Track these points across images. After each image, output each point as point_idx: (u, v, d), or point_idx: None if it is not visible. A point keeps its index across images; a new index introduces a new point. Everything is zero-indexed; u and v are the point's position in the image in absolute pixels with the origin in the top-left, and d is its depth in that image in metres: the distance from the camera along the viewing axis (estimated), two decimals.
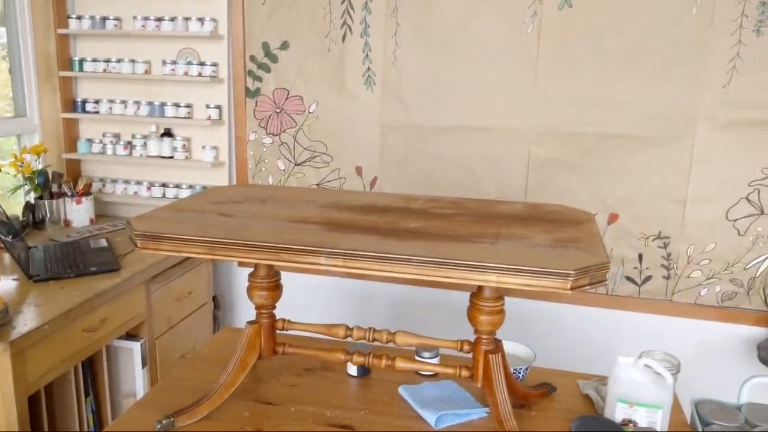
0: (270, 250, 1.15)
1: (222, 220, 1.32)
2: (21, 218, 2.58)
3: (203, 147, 2.79)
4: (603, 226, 2.44)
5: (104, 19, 2.75)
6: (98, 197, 2.88)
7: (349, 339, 1.37)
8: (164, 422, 1.28)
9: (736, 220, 2.34)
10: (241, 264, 2.90)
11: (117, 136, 2.89)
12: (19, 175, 2.61)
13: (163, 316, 2.40)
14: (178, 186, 2.85)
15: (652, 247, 2.43)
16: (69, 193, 2.70)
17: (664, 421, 1.26)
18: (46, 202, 2.65)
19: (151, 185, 2.87)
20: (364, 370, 1.52)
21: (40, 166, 2.68)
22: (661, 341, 2.46)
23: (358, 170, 2.67)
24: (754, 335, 2.40)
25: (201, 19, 2.66)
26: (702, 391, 1.51)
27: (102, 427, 2.19)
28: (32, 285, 2.02)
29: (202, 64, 2.70)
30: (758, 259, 2.35)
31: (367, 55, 2.55)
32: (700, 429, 1.28)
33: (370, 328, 1.36)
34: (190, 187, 2.84)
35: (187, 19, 2.67)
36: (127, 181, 2.91)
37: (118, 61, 2.78)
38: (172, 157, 2.81)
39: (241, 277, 2.95)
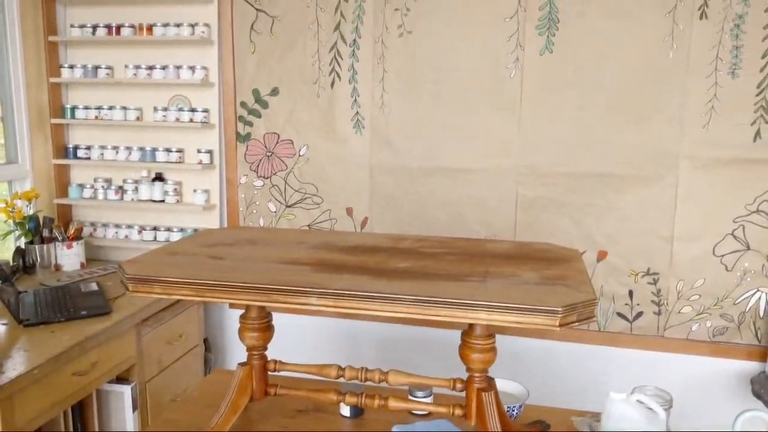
0: (261, 292, 1.16)
1: (213, 262, 1.33)
2: (11, 263, 2.57)
3: (194, 190, 2.81)
4: (592, 263, 2.47)
5: (96, 68, 2.80)
6: (89, 241, 2.88)
7: (341, 379, 1.37)
8: None
9: (723, 255, 2.38)
10: (232, 306, 2.89)
11: (108, 181, 2.91)
12: (10, 221, 2.61)
13: (153, 359, 2.38)
14: (169, 229, 2.86)
15: (642, 283, 2.46)
16: (60, 238, 2.70)
17: None
18: (36, 246, 2.65)
19: (142, 229, 2.88)
20: (357, 411, 1.51)
21: (31, 212, 2.69)
22: (653, 377, 2.46)
23: (349, 211, 2.70)
24: (747, 370, 2.41)
25: (192, 68, 2.72)
26: (695, 426, 1.51)
27: None
28: (22, 330, 2.00)
29: (193, 110, 2.74)
30: (747, 294, 2.38)
31: (355, 99, 2.61)
32: None
33: (362, 368, 1.36)
34: (182, 230, 2.85)
35: (178, 67, 2.73)
36: (118, 225, 2.91)
37: (110, 108, 2.82)
38: (163, 201, 2.83)
39: (232, 318, 2.94)
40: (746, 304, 2.38)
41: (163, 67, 2.74)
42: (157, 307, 2.37)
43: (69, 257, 2.70)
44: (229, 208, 2.83)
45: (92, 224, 2.94)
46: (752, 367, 2.41)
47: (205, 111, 2.75)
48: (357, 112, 2.61)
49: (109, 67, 2.81)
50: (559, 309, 1.06)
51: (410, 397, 1.50)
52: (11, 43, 2.67)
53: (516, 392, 1.55)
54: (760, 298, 2.37)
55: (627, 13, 2.31)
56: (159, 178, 2.85)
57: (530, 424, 1.45)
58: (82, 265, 2.73)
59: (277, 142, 2.72)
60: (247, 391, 1.40)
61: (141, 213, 2.90)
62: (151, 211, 2.88)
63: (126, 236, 2.90)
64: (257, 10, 2.65)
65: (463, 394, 1.31)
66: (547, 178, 2.47)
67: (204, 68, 2.72)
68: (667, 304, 2.44)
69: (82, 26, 2.80)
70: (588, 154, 2.42)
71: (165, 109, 2.77)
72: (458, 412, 1.31)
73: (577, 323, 1.10)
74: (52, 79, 2.81)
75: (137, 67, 2.76)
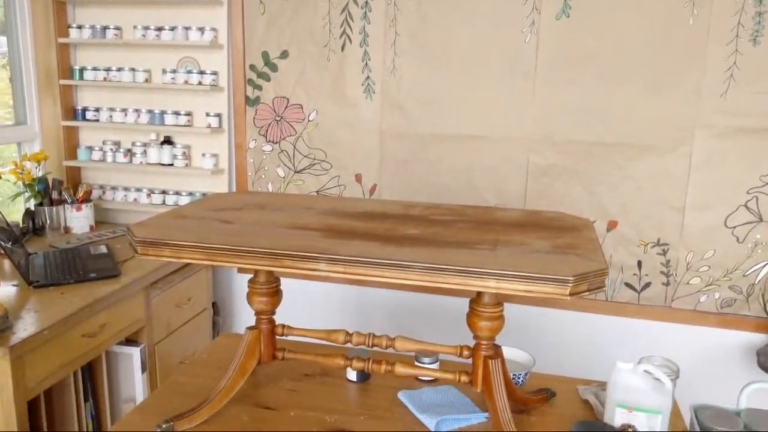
0: (270, 257, 1.16)
1: (222, 226, 1.33)
2: (21, 225, 2.58)
3: (203, 155, 2.80)
4: (602, 233, 2.45)
5: (105, 28, 2.77)
6: (98, 204, 2.88)
7: (348, 344, 1.38)
8: (164, 427, 1.28)
9: (734, 227, 2.35)
10: (240, 270, 2.90)
11: (117, 143, 2.90)
12: (20, 183, 2.61)
13: (162, 322, 2.41)
14: (177, 193, 2.85)
15: (652, 253, 2.44)
16: (69, 200, 2.70)
17: (663, 427, 1.26)
18: (46, 209, 2.66)
19: (150, 192, 2.88)
20: (364, 376, 1.52)
21: (40, 174, 2.69)
22: (660, 347, 2.46)
23: (358, 177, 2.68)
24: (753, 341, 2.41)
25: (201, 29, 2.68)
26: (701, 396, 1.51)
27: None
28: (32, 291, 2.02)
29: (202, 72, 2.71)
30: (757, 266, 2.36)
31: (366, 64, 2.57)
32: None
33: (369, 334, 1.36)
34: (190, 194, 2.85)
35: (187, 28, 2.69)
36: (127, 189, 2.91)
37: (119, 69, 2.80)
38: (172, 165, 2.82)
39: (240, 283, 2.96)
40: (756, 276, 2.37)
41: (172, 28, 2.70)
42: (165, 271, 2.38)
43: (78, 219, 2.71)
44: (237, 173, 2.82)
45: (101, 187, 2.95)
46: (759, 338, 2.40)
47: (214, 74, 2.71)
48: (368, 77, 2.58)
49: (117, 28, 2.78)
50: (570, 278, 1.05)
51: (417, 364, 1.50)
52: (19, 2, 2.64)
53: (522, 360, 1.56)
54: None
55: None
56: (168, 141, 2.83)
57: (536, 392, 1.46)
58: (91, 227, 2.74)
59: (286, 107, 2.69)
60: (255, 355, 1.40)
61: (150, 176, 2.90)
62: (159, 174, 2.88)
63: (135, 199, 2.90)
64: None
65: (470, 361, 1.31)
66: (560, 146, 2.44)
67: (213, 29, 2.68)
68: (675, 275, 2.43)
69: None
70: (603, 122, 2.38)
71: (174, 71, 2.74)
72: (464, 378, 1.32)
73: (587, 293, 1.09)
74: (61, 40, 2.78)
75: (146, 27, 2.72)
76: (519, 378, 1.47)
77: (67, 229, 2.71)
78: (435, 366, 1.50)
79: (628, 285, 2.49)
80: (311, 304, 2.81)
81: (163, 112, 2.79)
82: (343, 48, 2.58)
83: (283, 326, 1.43)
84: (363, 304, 2.80)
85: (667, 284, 2.45)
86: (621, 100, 2.35)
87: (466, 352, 1.31)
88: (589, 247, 1.23)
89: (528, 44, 2.40)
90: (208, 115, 2.75)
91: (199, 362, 1.62)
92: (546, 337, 2.60)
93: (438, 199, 2.54)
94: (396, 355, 1.43)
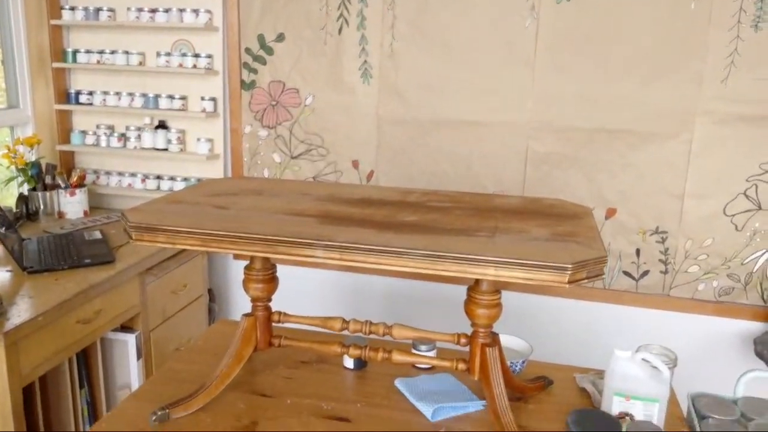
0: (266, 243, 1.14)
1: (218, 212, 1.31)
2: (14, 210, 2.56)
3: (198, 139, 2.77)
4: (601, 221, 2.44)
5: (98, 10, 2.72)
6: (92, 189, 2.86)
7: (345, 332, 1.36)
8: (159, 414, 1.27)
9: (733, 215, 2.34)
10: (236, 257, 2.88)
11: (111, 128, 2.87)
12: (12, 167, 2.59)
13: (158, 309, 2.39)
14: (172, 178, 2.83)
15: (650, 241, 2.43)
16: (63, 185, 2.68)
17: (661, 415, 1.26)
18: (39, 193, 2.63)
19: (145, 177, 2.85)
20: (361, 363, 1.52)
21: (33, 158, 2.66)
22: (658, 335, 2.46)
23: (355, 164, 2.66)
24: (751, 330, 2.41)
25: (196, 11, 2.64)
26: (698, 385, 1.51)
27: (97, 419, 2.18)
28: (26, 276, 2.00)
29: (196, 56, 2.68)
30: (756, 255, 2.35)
31: (363, 48, 2.54)
32: (696, 422, 1.28)
33: (366, 321, 1.35)
34: (185, 179, 2.82)
35: (181, 10, 2.65)
36: (121, 173, 2.89)
37: (112, 52, 2.76)
38: (166, 150, 2.79)
39: (236, 269, 2.94)
40: (754, 265, 2.36)
41: (166, 10, 2.66)
42: (161, 257, 2.37)
43: (72, 205, 2.69)
44: (233, 158, 2.79)
45: (95, 172, 2.92)
46: (756, 327, 2.41)
47: (209, 57, 2.68)
48: (365, 61, 2.54)
49: (111, 9, 2.73)
50: (569, 266, 1.04)
51: (414, 351, 1.49)
52: None
53: (519, 348, 1.55)
54: None
55: None
56: (162, 125, 2.80)
57: (533, 380, 1.45)
58: (85, 212, 2.72)
59: (282, 91, 2.66)
60: (252, 342, 1.39)
61: (144, 161, 2.87)
62: (154, 159, 2.85)
63: (129, 185, 2.87)
64: None
65: (467, 349, 1.30)
66: (560, 133, 2.42)
67: (208, 11, 2.64)
68: (674, 263, 2.43)
69: None
70: (603, 108, 2.36)
71: (168, 54, 2.70)
72: (461, 366, 1.31)
73: (586, 280, 1.08)
74: (53, 21, 2.74)
75: (140, 9, 2.68)
76: (516, 366, 1.47)
77: (60, 215, 2.68)
78: (432, 354, 1.50)
79: (626, 273, 2.48)
80: (307, 291, 2.80)
81: (157, 96, 2.75)
82: (340, 31, 2.54)
83: (280, 313, 1.42)
84: (360, 291, 2.79)
85: (666, 272, 2.44)
86: (621, 87, 2.33)
87: (463, 340, 1.31)
88: (589, 234, 1.22)
89: (528, 29, 2.37)
90: (202, 99, 2.72)
91: (195, 349, 1.61)
92: (543, 325, 2.60)
93: (436, 186, 2.53)
94: (393, 342, 1.42)
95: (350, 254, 1.11)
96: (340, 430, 1.28)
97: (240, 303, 2.97)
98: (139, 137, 2.81)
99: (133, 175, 2.87)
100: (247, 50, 2.66)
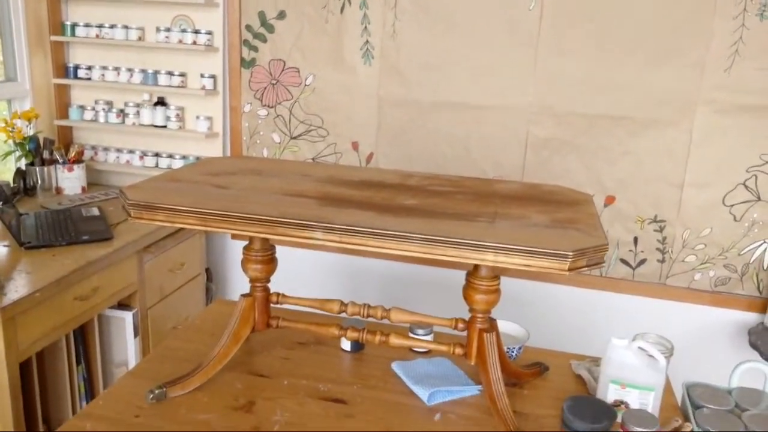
0: (266, 224, 1.14)
1: (217, 191, 1.30)
2: (12, 185, 2.54)
3: (197, 117, 2.75)
4: (599, 208, 2.44)
5: None
6: (90, 165, 2.84)
7: (343, 314, 1.37)
8: (156, 392, 1.27)
9: (732, 205, 2.34)
10: (235, 237, 2.88)
11: (109, 103, 2.85)
12: (10, 141, 2.57)
13: (155, 287, 2.39)
14: (171, 156, 2.81)
15: (648, 230, 2.43)
16: (61, 160, 2.66)
17: (656, 404, 1.26)
18: (37, 168, 2.62)
19: (143, 154, 2.84)
20: (358, 346, 1.52)
21: (31, 132, 2.64)
22: (654, 324, 2.47)
23: (355, 145, 2.64)
24: (746, 320, 2.42)
25: None
26: (693, 374, 1.51)
27: (93, 396, 2.19)
28: (23, 252, 2.00)
29: (196, 32, 2.64)
30: (753, 245, 2.36)
31: (365, 27, 2.51)
32: (690, 412, 1.29)
33: (364, 304, 1.35)
34: (184, 157, 2.81)
35: None
36: (119, 150, 2.87)
37: (111, 26, 2.72)
38: (165, 127, 2.77)
39: (234, 249, 2.94)
40: (751, 256, 2.37)
41: None
42: (159, 235, 2.36)
43: (70, 180, 2.67)
44: (232, 137, 2.77)
45: (93, 148, 2.90)
46: (751, 318, 2.42)
47: (209, 33, 2.65)
48: (367, 41, 2.52)
49: None
50: (569, 253, 1.03)
51: (411, 335, 1.50)
52: None
53: (516, 334, 1.56)
54: (765, 249, 2.35)
55: None
56: (161, 102, 2.78)
57: (529, 366, 1.46)
58: (83, 189, 2.71)
59: (282, 70, 2.64)
60: (249, 322, 1.39)
61: (142, 138, 2.85)
62: (152, 136, 2.83)
63: (127, 161, 2.86)
64: None
65: (465, 334, 1.30)
66: (561, 119, 2.41)
67: None
68: (671, 252, 2.43)
69: None
70: (605, 95, 2.35)
71: (168, 30, 2.67)
72: (458, 351, 1.31)
73: (586, 268, 1.08)
74: None
75: None
76: (513, 352, 1.47)
77: (58, 190, 2.67)
78: (429, 338, 1.50)
79: (623, 261, 2.49)
80: (306, 273, 2.80)
81: (156, 72, 2.73)
82: (342, 10, 2.51)
83: (278, 294, 1.42)
84: (358, 273, 2.79)
85: (663, 261, 2.45)
86: (623, 73, 2.31)
87: (461, 325, 1.31)
88: (589, 222, 1.22)
89: (532, 11, 2.34)
90: (202, 76, 2.69)
91: (192, 328, 1.61)
92: (540, 312, 2.61)
93: (435, 169, 2.52)
94: (390, 326, 1.42)
95: (349, 237, 1.11)
96: (336, 412, 1.29)
97: (237, 283, 2.97)
98: (137, 113, 2.79)
99: (131, 151, 2.85)
100: (248, 27, 2.63)
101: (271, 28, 2.61)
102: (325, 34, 2.55)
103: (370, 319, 1.36)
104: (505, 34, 2.39)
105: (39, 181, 2.62)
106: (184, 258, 2.59)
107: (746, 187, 2.32)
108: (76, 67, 2.80)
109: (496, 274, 1.24)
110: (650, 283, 2.48)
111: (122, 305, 2.25)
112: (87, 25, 2.74)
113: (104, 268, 2.05)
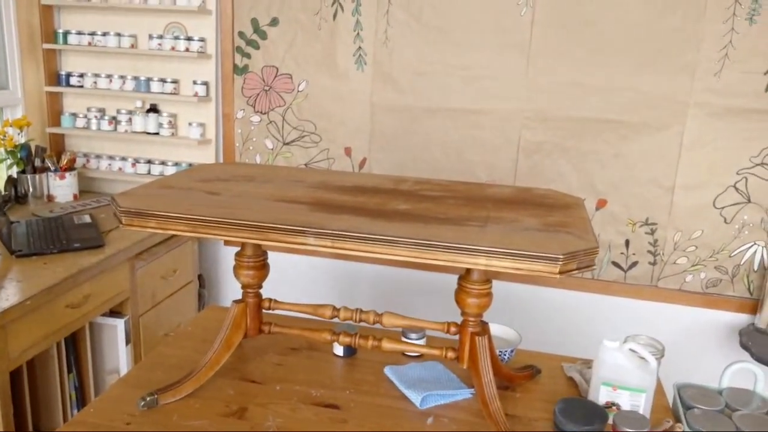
0: (258, 230, 1.14)
1: (209, 198, 1.30)
2: (3, 192, 2.54)
3: (190, 124, 2.75)
4: (591, 212, 2.45)
5: None
6: (82, 173, 2.83)
7: (335, 319, 1.37)
8: (148, 399, 1.27)
9: (723, 208, 2.36)
10: (227, 243, 2.88)
11: (102, 110, 2.84)
12: (1, 149, 2.56)
13: (147, 294, 2.38)
14: (163, 163, 2.81)
15: (639, 233, 2.45)
16: (52, 168, 2.65)
17: (647, 405, 1.27)
18: (29, 176, 2.61)
19: (136, 161, 2.83)
20: (350, 351, 1.52)
21: (23, 140, 2.63)
22: (645, 326, 2.48)
23: (347, 151, 2.65)
24: (737, 322, 2.43)
25: None
26: (684, 375, 1.52)
27: (85, 404, 2.18)
28: (14, 260, 1.99)
29: (189, 39, 2.65)
30: (743, 247, 2.37)
31: (358, 33, 2.52)
32: (682, 413, 1.29)
33: (356, 309, 1.35)
34: (176, 164, 2.80)
35: None
36: (111, 157, 2.86)
37: (104, 34, 2.72)
38: (157, 134, 2.77)
39: (227, 255, 2.93)
40: (742, 257, 2.38)
41: None
42: (151, 242, 2.35)
43: (62, 188, 2.66)
44: (224, 144, 2.77)
45: (85, 155, 2.89)
46: (742, 319, 2.43)
47: (202, 40, 2.65)
48: (359, 47, 2.53)
49: None
50: (560, 256, 1.04)
51: (403, 339, 1.50)
52: None
53: (508, 337, 1.56)
54: (756, 251, 2.37)
55: None
56: (153, 109, 2.78)
57: (521, 369, 1.46)
58: (75, 196, 2.70)
59: (275, 76, 2.64)
60: (241, 328, 1.39)
61: (135, 145, 2.85)
62: (145, 143, 2.83)
63: (119, 168, 2.85)
64: None
65: (457, 337, 1.31)
66: (553, 123, 2.42)
67: None
68: (663, 254, 2.44)
69: None
70: (596, 99, 2.36)
71: (160, 37, 2.67)
72: (451, 354, 1.31)
73: (577, 271, 1.09)
74: (44, 1, 2.70)
75: None
76: (505, 355, 1.48)
77: (50, 198, 2.66)
78: (422, 342, 1.50)
79: (615, 264, 2.50)
80: (298, 278, 2.80)
81: (149, 79, 2.73)
82: (334, 16, 2.52)
83: (270, 300, 1.42)
84: (350, 278, 2.79)
85: (654, 264, 2.46)
86: (614, 77, 2.33)
87: (453, 329, 1.31)
88: (580, 225, 1.22)
89: (523, 17, 2.36)
90: (195, 83, 2.70)
91: (184, 335, 1.60)
92: (532, 315, 2.62)
93: (428, 174, 2.52)
94: (383, 330, 1.42)
95: (342, 242, 1.11)
96: (329, 417, 1.29)
97: (230, 289, 2.96)
98: (130, 121, 2.78)
99: (123, 159, 2.85)
100: (241, 34, 2.64)
101: (263, 35, 2.62)
102: (318, 41, 2.56)
103: (362, 324, 1.36)
104: (496, 40, 2.40)
105: (31, 189, 2.61)
106: (177, 265, 2.58)
107: (737, 189, 2.33)
108: (69, 75, 2.80)
109: (488, 277, 1.25)
110: (642, 285, 2.49)
111: (114, 312, 2.24)
112: (79, 33, 2.74)
113: (96, 276, 2.04)
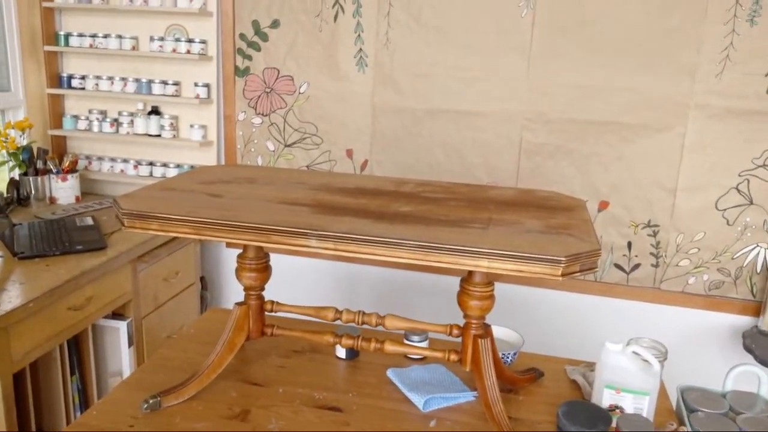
0: (260, 232, 1.14)
1: (211, 200, 1.30)
2: (5, 195, 2.54)
3: (191, 126, 2.75)
4: (593, 214, 2.45)
5: None
6: (84, 175, 2.83)
7: (338, 322, 1.37)
8: (151, 402, 1.27)
9: (725, 209, 2.36)
10: (229, 245, 2.88)
11: (103, 113, 2.85)
12: (3, 151, 2.56)
13: (149, 296, 2.39)
14: (165, 165, 2.81)
15: (642, 235, 2.44)
16: (54, 170, 2.66)
17: (651, 408, 1.26)
18: (31, 178, 2.61)
19: (138, 164, 2.83)
20: (353, 353, 1.52)
21: (24, 142, 2.63)
22: (648, 328, 2.48)
23: (349, 153, 2.65)
24: (740, 324, 2.43)
25: None
26: (688, 378, 1.52)
27: (88, 406, 2.18)
28: (17, 262, 1.99)
29: (190, 41, 2.65)
30: (746, 249, 2.37)
31: (359, 35, 2.52)
32: (685, 415, 1.29)
33: (359, 312, 1.35)
34: (178, 166, 2.80)
35: None
36: (113, 159, 2.86)
37: (105, 36, 2.73)
38: (159, 136, 2.77)
39: (229, 258, 2.93)
40: (744, 259, 2.38)
41: None
42: (153, 244, 2.35)
43: (64, 190, 2.67)
44: (226, 146, 2.77)
45: (87, 157, 2.89)
46: (745, 321, 2.42)
47: (203, 42, 2.65)
48: (360, 49, 2.53)
49: None
50: (563, 258, 1.04)
51: (406, 342, 1.50)
52: None
53: (511, 339, 1.56)
54: (758, 253, 2.36)
55: None
56: (155, 111, 2.78)
57: (524, 372, 1.46)
58: (77, 198, 2.70)
59: (276, 78, 2.64)
60: (244, 331, 1.39)
61: (137, 147, 2.85)
62: (146, 145, 2.83)
63: (121, 170, 2.85)
64: None
65: (460, 340, 1.30)
66: (554, 125, 2.42)
67: None
68: (665, 256, 2.44)
69: None
70: (598, 100, 2.36)
71: (161, 39, 2.67)
72: (453, 357, 1.31)
73: (579, 273, 1.09)
74: (45, 3, 2.70)
75: None
76: (508, 357, 1.47)
77: (52, 200, 2.66)
78: (424, 344, 1.50)
79: (617, 266, 2.50)
80: (300, 281, 2.80)
81: (150, 82, 2.73)
82: (335, 18, 2.52)
83: (272, 302, 1.42)
84: (353, 280, 2.79)
85: (657, 266, 2.46)
86: (615, 79, 2.33)
87: (455, 331, 1.31)
88: (583, 227, 1.22)
89: (524, 19, 2.36)
90: (196, 85, 2.70)
91: (187, 337, 1.60)
92: (535, 317, 2.61)
93: (429, 175, 2.52)
94: (385, 332, 1.42)
95: (344, 244, 1.11)
96: (331, 420, 1.28)
97: (232, 291, 2.96)
98: (131, 123, 2.79)
99: (125, 161, 2.85)
100: (242, 36, 2.64)
101: (265, 37, 2.62)
102: (319, 43, 2.56)
103: (365, 327, 1.36)
104: (497, 42, 2.40)
105: (33, 191, 2.61)
106: (179, 267, 2.58)
107: (739, 191, 2.33)
108: (70, 77, 2.81)
109: (491, 280, 1.25)
110: (644, 287, 2.49)
111: (116, 315, 2.24)
112: (81, 35, 2.75)
113: (98, 278, 2.04)
